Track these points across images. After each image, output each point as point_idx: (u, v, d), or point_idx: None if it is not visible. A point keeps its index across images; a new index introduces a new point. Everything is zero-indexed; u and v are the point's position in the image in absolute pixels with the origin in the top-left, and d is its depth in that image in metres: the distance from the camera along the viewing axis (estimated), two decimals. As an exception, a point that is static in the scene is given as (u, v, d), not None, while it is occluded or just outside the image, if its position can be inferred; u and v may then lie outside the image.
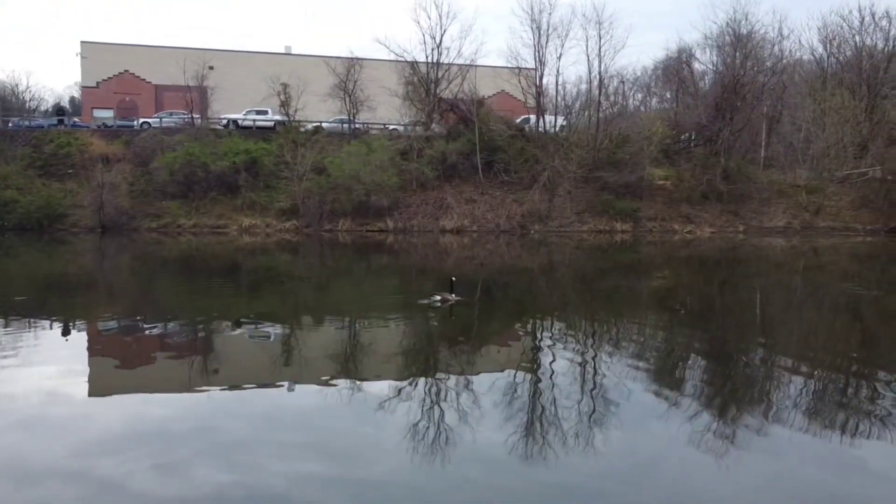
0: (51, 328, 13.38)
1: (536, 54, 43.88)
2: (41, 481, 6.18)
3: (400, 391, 8.91)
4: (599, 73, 44.35)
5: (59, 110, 52.63)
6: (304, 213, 38.50)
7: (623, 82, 54.56)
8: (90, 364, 10.60)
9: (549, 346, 12.28)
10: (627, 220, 40.50)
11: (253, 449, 6.93)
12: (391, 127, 45.72)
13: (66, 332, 13.08)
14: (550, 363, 10.69)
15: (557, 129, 44.30)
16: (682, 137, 47.94)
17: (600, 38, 43.94)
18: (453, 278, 15.64)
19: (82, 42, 55.67)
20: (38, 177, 39.62)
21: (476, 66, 45.26)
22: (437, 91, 45.19)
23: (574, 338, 13.12)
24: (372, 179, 38.03)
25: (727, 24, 45.75)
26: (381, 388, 9.03)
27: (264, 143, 42.01)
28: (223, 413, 8.10)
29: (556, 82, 46.50)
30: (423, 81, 44.83)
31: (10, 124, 47.59)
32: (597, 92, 44.71)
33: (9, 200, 36.87)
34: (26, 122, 49.44)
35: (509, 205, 40.75)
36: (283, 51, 59.77)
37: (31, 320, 13.96)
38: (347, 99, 44.37)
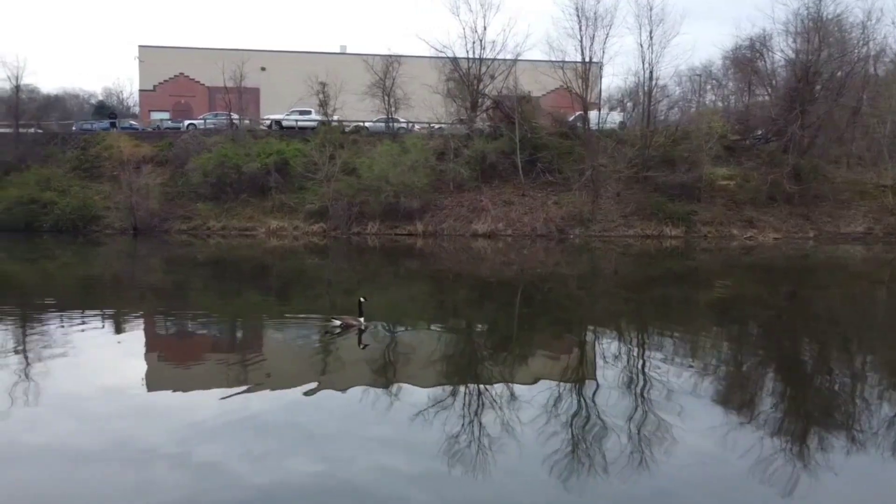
0: (103, 327, 14.35)
1: (582, 46, 40.92)
2: (148, 464, 6.74)
3: (440, 399, 8.82)
4: (651, 63, 40.91)
5: (110, 113, 53.95)
6: (332, 216, 37.30)
7: (679, 74, 50.62)
8: (164, 359, 11.59)
9: (595, 358, 11.74)
10: (679, 225, 36.99)
11: (339, 442, 7.30)
12: (436, 126, 43.93)
13: (118, 331, 13.96)
14: (597, 376, 10.25)
15: (606, 125, 41.26)
16: (756, 134, 43.76)
17: (651, 26, 40.45)
18: (362, 298, 13.48)
19: (140, 46, 56.97)
20: (82, 179, 40.25)
21: (520, 60, 42.81)
22: (480, 88, 43.06)
23: (623, 349, 12.47)
24: (401, 181, 36.35)
25: (804, 6, 41.25)
26: (420, 395, 8.97)
27: (298, 144, 41.11)
28: (308, 407, 8.63)
29: (601, 75, 42.95)
30: (464, 78, 42.78)
31: (73, 127, 48.93)
32: (648, 84, 41.27)
33: (48, 202, 37.45)
34: (86, 125, 50.63)
35: (549, 207, 38.08)
36: (338, 50, 59.25)
37: (85, 320, 14.75)
38: (385, 97, 42.89)
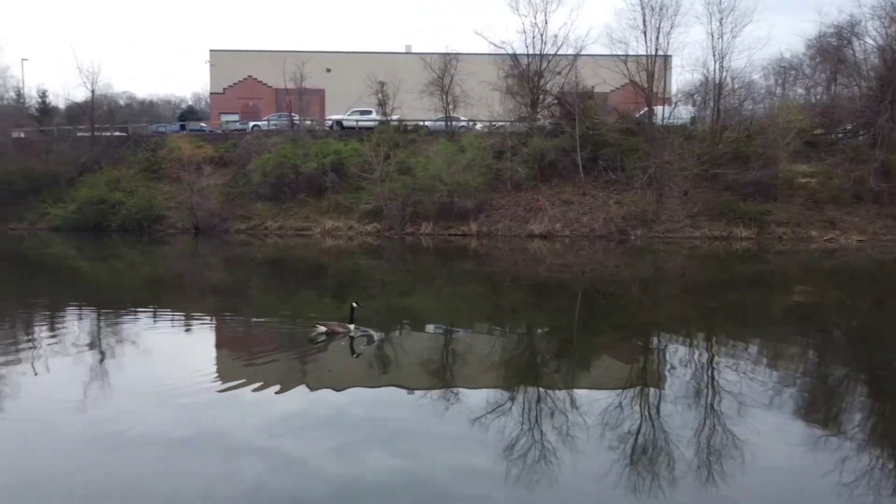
0: (173, 324, 14.78)
1: (646, 38, 38.94)
2: (237, 453, 7.07)
3: (498, 403, 8.67)
4: (721, 54, 38.47)
5: (181, 116, 55.65)
6: (386, 216, 36.96)
7: (752, 65, 47.39)
8: (234, 356, 11.99)
9: (660, 365, 11.27)
10: (751, 225, 34.60)
11: (406, 440, 7.51)
12: (498, 124, 42.94)
13: (188, 329, 14.44)
14: (662, 384, 9.86)
15: (675, 120, 39.14)
16: (841, 128, 40.61)
17: (721, 14, 38.04)
18: (355, 304, 12.67)
19: (211, 50, 58.54)
20: (149, 180, 41.50)
21: (582, 55, 41.27)
22: (541, 84, 41.78)
23: (690, 357, 11.82)
24: (455, 180, 35.60)
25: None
26: (478, 398, 8.85)
27: (356, 144, 41.02)
28: (377, 405, 8.86)
29: (667, 67, 40.63)
30: (524, 74, 41.61)
31: (150, 130, 50.67)
32: (719, 76, 38.84)
33: (116, 202, 38.74)
34: (160, 128, 52.34)
35: (610, 207, 36.44)
36: (403, 50, 59.11)
37: (156, 317, 15.38)
38: (443, 96, 42.21)
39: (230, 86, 58.01)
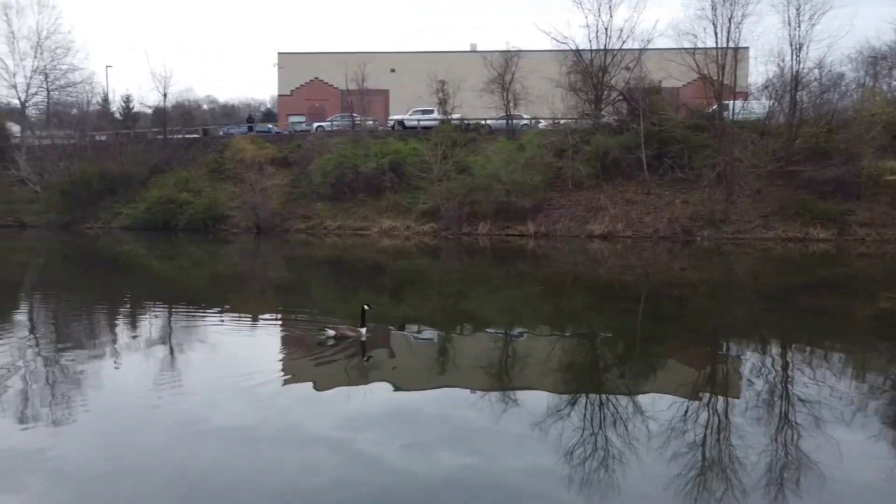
0: (241, 320, 15.47)
1: (716, 29, 36.98)
2: (313, 446, 7.41)
3: (558, 408, 8.58)
4: (798, 44, 36.12)
5: (248, 118, 56.99)
6: (444, 216, 36.58)
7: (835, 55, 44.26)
8: (301, 353, 12.12)
9: (730, 373, 10.84)
10: (830, 226, 32.32)
11: (481, 439, 7.57)
12: (561, 121, 41.92)
13: (255, 326, 14.91)
14: (733, 393, 9.45)
15: (748, 115, 37.05)
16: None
17: (799, 2, 35.73)
18: (366, 306, 12.23)
19: (279, 53, 59.93)
20: (216, 181, 42.55)
21: (648, 49, 39.75)
22: (606, 80, 40.48)
23: (763, 365, 11.28)
24: (513, 179, 34.86)
25: None
26: (539, 401, 8.77)
27: (416, 143, 40.82)
28: (440, 405, 8.99)
29: (738, 59, 38.36)
30: (588, 70, 40.40)
31: (220, 132, 52.19)
32: (796, 67, 36.48)
33: (183, 202, 39.92)
34: (230, 130, 53.82)
35: (675, 206, 34.82)
36: (468, 48, 58.72)
37: (224, 314, 15.89)
38: (504, 93, 41.47)
39: (297, 88, 59.19)
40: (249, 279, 24.13)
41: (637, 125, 36.85)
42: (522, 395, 9.21)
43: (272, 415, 8.53)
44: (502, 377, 10.62)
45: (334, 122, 47.91)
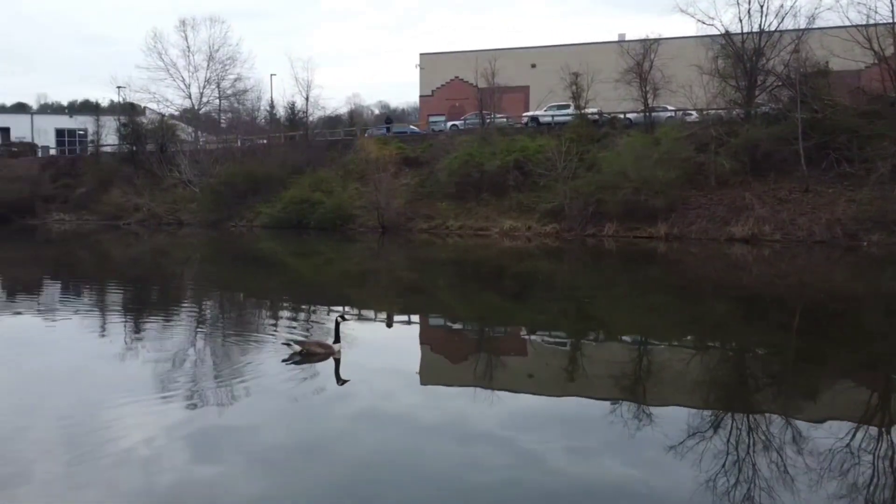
0: (375, 319, 16.08)
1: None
2: (475, 441, 7.48)
3: (699, 428, 7.98)
4: None
5: (386, 119, 57.85)
6: (567, 216, 34.40)
7: None
8: (436, 352, 12.75)
9: None
10: None
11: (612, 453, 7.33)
12: (706, 112, 38.09)
13: (389, 325, 15.35)
14: None
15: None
16: None
17: None
18: (339, 318, 10.75)
19: (420, 54, 60.49)
20: (347, 181, 43.46)
21: (812, 28, 34.86)
22: (760, 64, 36.04)
23: None
24: (642, 176, 31.92)
25: None
26: (676, 419, 8.22)
27: (544, 140, 38.90)
28: (577, 415, 8.70)
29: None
30: (739, 54, 36.18)
31: (366, 134, 53.64)
32: None
33: (315, 202, 41.13)
34: (370, 131, 55.12)
35: (837, 206, 30.00)
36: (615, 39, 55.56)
37: (361, 312, 16.23)
38: (641, 83, 38.28)
39: (438, 88, 59.31)
40: (377, 278, 24.44)
41: (804, 113, 32.25)
42: (658, 411, 8.61)
43: (433, 408, 8.86)
44: (635, 389, 10.04)
45: (467, 121, 47.27)
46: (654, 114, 38.93)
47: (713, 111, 36.32)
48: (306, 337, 11.95)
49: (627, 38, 53.29)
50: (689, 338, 13.83)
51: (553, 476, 6.70)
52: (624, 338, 13.90)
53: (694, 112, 38.04)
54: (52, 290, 21.43)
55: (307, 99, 49.43)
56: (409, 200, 39.72)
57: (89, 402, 8.79)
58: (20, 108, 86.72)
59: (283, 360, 10.35)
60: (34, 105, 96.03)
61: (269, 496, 6.25)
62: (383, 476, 6.69)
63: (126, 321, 15.13)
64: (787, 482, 6.48)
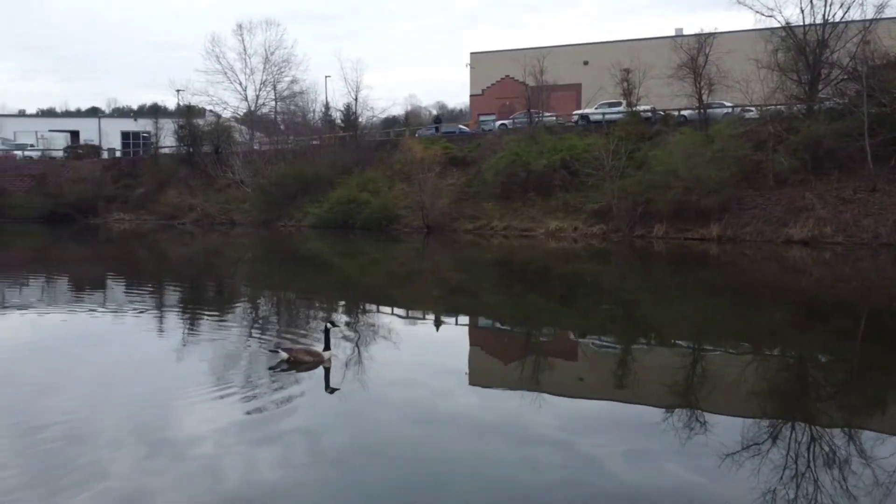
0: (424, 319, 16.07)
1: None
2: (532, 443, 7.48)
3: (756, 439, 7.62)
4: None
5: (436, 118, 57.56)
6: (615, 216, 33.34)
7: None
8: (485, 353, 12.87)
9: None
10: None
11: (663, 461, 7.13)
12: (766, 107, 36.37)
13: (437, 326, 15.10)
14: None
15: None
16: None
17: None
18: (328, 324, 10.27)
19: (471, 53, 59.97)
20: (394, 181, 43.38)
21: (882, 18, 32.86)
22: (824, 57, 34.15)
23: None
24: (694, 174, 30.62)
25: None
26: (731, 428, 7.90)
27: (593, 138, 37.89)
28: (631, 421, 8.47)
29: None
30: (802, 47, 34.36)
31: (416, 134, 53.59)
32: None
33: (362, 202, 41.19)
34: (420, 131, 54.98)
35: (909, 206, 28.13)
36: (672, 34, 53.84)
37: (410, 313, 16.46)
38: (696, 79, 36.77)
39: (488, 87, 58.71)
40: (422, 278, 24.38)
41: (862, 108, 30.42)
42: (713, 419, 8.31)
43: (489, 409, 8.82)
44: (689, 396, 9.73)
45: (516, 120, 46.56)
46: (709, 110, 37.45)
47: (772, 107, 34.63)
48: (298, 343, 11.48)
49: (684, 33, 51.94)
50: (745, 344, 13.18)
51: (612, 479, 6.64)
52: (676, 343, 13.50)
53: (754, 108, 36.40)
54: (115, 288, 21.99)
55: (356, 99, 49.72)
56: (454, 200, 39.37)
57: (157, 395, 8.97)
58: (93, 112, 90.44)
59: (270, 368, 9.91)
60: (106, 109, 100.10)
61: (333, 494, 6.33)
62: (444, 475, 6.74)
63: (184, 319, 15.49)
64: (851, 500, 6.14)
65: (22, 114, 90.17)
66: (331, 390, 9.25)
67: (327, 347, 10.04)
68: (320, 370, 9.88)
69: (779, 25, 35.30)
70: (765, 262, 26.26)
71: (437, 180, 39.54)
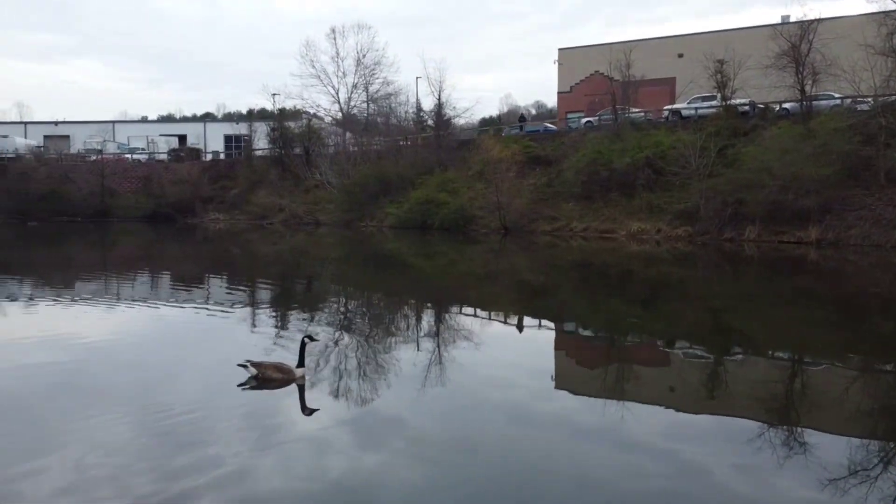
0: (505, 322, 15.72)
1: None
2: (633, 450, 7.30)
3: (864, 466, 7.02)
4: None
5: (520, 117, 56.28)
6: (703, 217, 31.16)
7: None
8: (568, 357, 12.68)
9: None
10: None
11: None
12: (882, 98, 32.95)
13: (520, 329, 14.87)
14: None
15: None
16: None
17: None
18: (306, 339, 9.30)
19: (559, 49, 58.30)
20: (473, 181, 42.67)
21: None
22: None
23: None
24: (791, 172, 28.08)
25: None
26: (835, 449, 7.43)
27: (683, 135, 35.66)
28: (728, 436, 8.06)
29: None
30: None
31: (503, 133, 52.84)
32: None
33: (441, 203, 40.80)
34: (505, 131, 54.03)
35: None
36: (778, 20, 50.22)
37: (491, 315, 16.12)
38: (798, 68, 33.79)
39: (577, 83, 56.92)
40: (500, 280, 23.89)
41: None
42: (812, 438, 7.77)
43: (583, 414, 8.73)
44: (788, 412, 9.11)
45: (602, 117, 44.74)
46: (814, 102, 34.38)
47: (885, 97, 31.32)
48: (268, 358, 10.32)
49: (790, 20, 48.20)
50: (851, 358, 12.20)
51: (722, 491, 6.39)
52: (773, 354, 12.69)
53: (868, 99, 33.09)
54: (214, 284, 22.78)
55: (439, 99, 49.42)
56: (533, 201, 38.27)
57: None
58: (205, 117, 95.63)
59: (240, 385, 8.96)
60: (218, 114, 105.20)
61: (430, 489, 6.33)
62: (543, 477, 6.60)
63: (276, 315, 15.91)
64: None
65: (144, 120, 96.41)
66: (308, 412, 8.27)
67: (301, 364, 9.07)
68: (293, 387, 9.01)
69: (895, 7, 31.93)
70: (873, 269, 23.92)
71: (516, 180, 38.59)
